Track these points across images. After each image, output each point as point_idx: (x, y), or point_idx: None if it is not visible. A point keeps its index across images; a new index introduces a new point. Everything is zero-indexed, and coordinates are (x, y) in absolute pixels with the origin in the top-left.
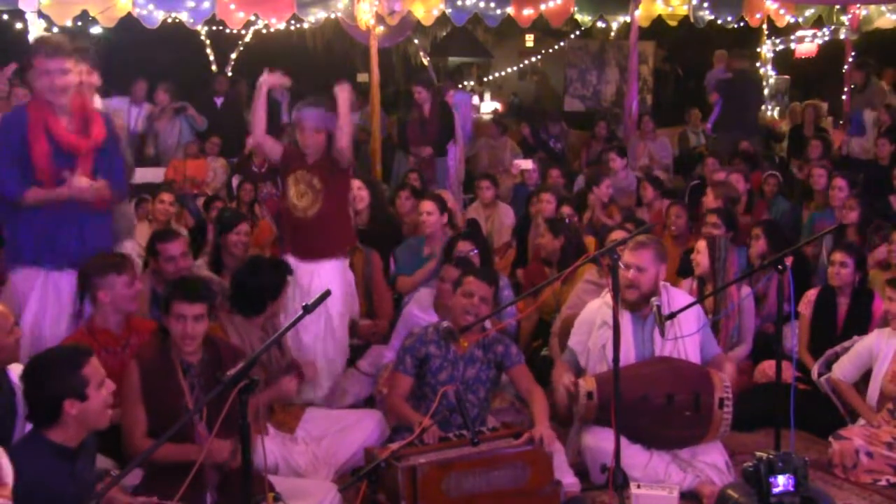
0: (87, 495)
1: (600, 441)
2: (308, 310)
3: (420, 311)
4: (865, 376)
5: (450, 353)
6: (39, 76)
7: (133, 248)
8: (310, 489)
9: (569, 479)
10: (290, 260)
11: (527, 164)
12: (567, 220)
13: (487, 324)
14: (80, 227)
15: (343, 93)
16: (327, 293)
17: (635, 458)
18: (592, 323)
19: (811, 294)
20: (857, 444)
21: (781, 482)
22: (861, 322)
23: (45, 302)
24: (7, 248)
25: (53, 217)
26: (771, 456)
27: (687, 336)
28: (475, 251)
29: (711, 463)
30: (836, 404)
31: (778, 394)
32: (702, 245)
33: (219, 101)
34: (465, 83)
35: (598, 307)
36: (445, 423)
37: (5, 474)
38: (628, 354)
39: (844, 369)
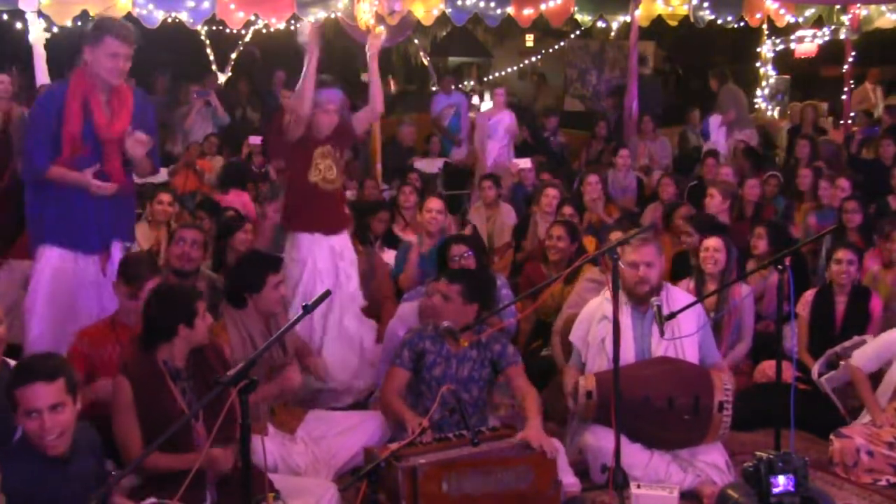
0: (87, 495)
1: (601, 440)
2: (308, 310)
3: (403, 331)
4: (868, 376)
5: (444, 349)
6: (106, 57)
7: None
8: (310, 488)
9: (569, 479)
10: (316, 238)
11: (525, 162)
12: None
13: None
14: (100, 213)
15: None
16: (327, 293)
17: (636, 457)
18: (592, 318)
19: (808, 295)
20: (857, 443)
21: (781, 482)
22: (859, 321)
23: (62, 281)
24: (32, 227)
25: (77, 200)
26: (771, 456)
27: (685, 337)
28: (469, 253)
29: (712, 463)
30: (836, 404)
31: (778, 394)
32: (719, 243)
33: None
34: (466, 83)
35: (598, 303)
36: (444, 423)
37: None
38: (627, 351)
39: (867, 358)
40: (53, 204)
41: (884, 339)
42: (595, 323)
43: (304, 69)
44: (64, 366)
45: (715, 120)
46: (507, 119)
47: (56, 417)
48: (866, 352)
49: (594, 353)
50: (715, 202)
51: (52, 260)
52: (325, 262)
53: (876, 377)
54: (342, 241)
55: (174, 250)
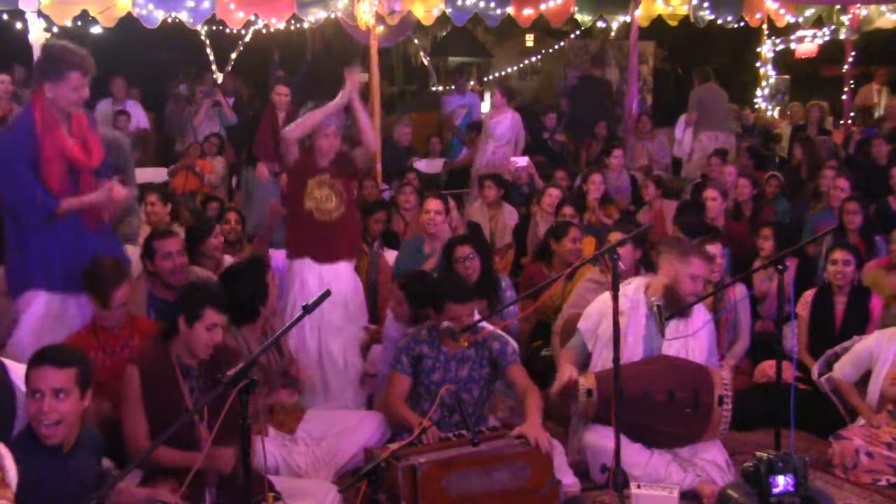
0: (85, 491)
1: (601, 439)
2: (308, 310)
3: (396, 333)
4: (865, 377)
5: (441, 353)
6: (69, 90)
7: (134, 251)
8: (310, 489)
9: (569, 480)
10: (306, 262)
11: (522, 160)
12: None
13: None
14: (83, 249)
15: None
16: (327, 293)
17: (636, 456)
18: (605, 312)
19: (808, 295)
20: (857, 444)
21: (781, 482)
22: (859, 321)
23: (47, 323)
24: (14, 273)
25: (61, 243)
26: (771, 456)
27: (694, 334)
28: (474, 255)
29: (711, 460)
30: (836, 404)
31: (778, 394)
32: (719, 249)
33: (229, 101)
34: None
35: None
36: (444, 423)
37: (10, 476)
38: (636, 348)
39: (845, 370)
40: (36, 250)
41: (859, 349)
42: (608, 317)
43: (323, 108)
44: (79, 358)
45: (683, 118)
46: (507, 120)
47: (57, 403)
48: (844, 362)
49: (602, 347)
50: (716, 204)
51: (39, 305)
52: (312, 287)
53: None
54: (333, 273)
55: (164, 265)
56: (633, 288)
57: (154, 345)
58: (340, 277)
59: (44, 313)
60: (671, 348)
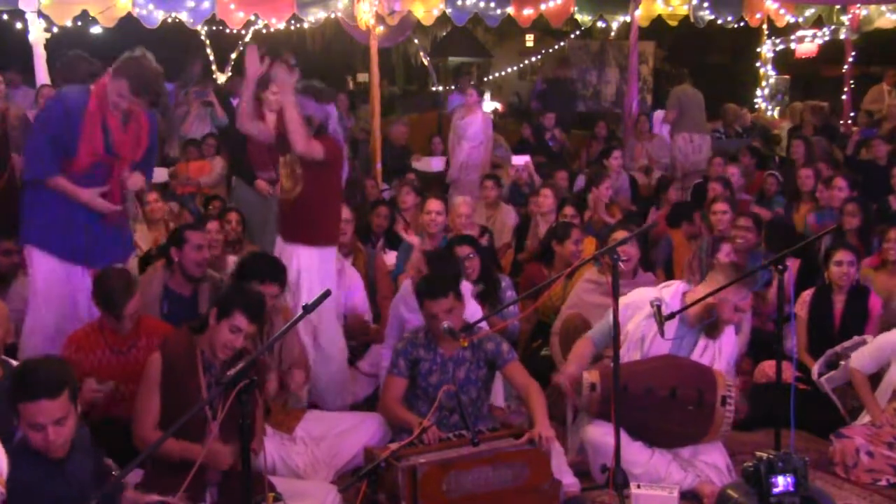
0: (84, 493)
1: (602, 436)
2: (308, 310)
3: (407, 311)
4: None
5: (437, 356)
6: (114, 94)
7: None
8: (310, 490)
9: (569, 480)
10: (277, 241)
11: (522, 160)
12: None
13: (485, 325)
14: (95, 228)
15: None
16: (327, 293)
17: (636, 455)
18: (641, 309)
19: (806, 295)
20: (857, 443)
21: (781, 482)
22: (858, 320)
23: (56, 290)
24: (23, 227)
25: (72, 214)
26: (771, 456)
27: (724, 342)
28: (473, 255)
29: (712, 463)
30: (836, 404)
31: (778, 394)
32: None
33: (235, 101)
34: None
35: (651, 297)
36: (443, 423)
37: (2, 466)
38: (660, 352)
39: (864, 361)
40: (45, 210)
41: (881, 341)
42: (643, 316)
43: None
44: (65, 374)
45: (659, 115)
46: (479, 121)
47: (60, 430)
48: (864, 353)
49: (630, 345)
50: (727, 217)
51: (42, 266)
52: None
53: (876, 377)
54: (291, 251)
55: (194, 256)
56: (670, 292)
57: (182, 334)
58: (297, 260)
59: (47, 277)
60: (704, 359)
